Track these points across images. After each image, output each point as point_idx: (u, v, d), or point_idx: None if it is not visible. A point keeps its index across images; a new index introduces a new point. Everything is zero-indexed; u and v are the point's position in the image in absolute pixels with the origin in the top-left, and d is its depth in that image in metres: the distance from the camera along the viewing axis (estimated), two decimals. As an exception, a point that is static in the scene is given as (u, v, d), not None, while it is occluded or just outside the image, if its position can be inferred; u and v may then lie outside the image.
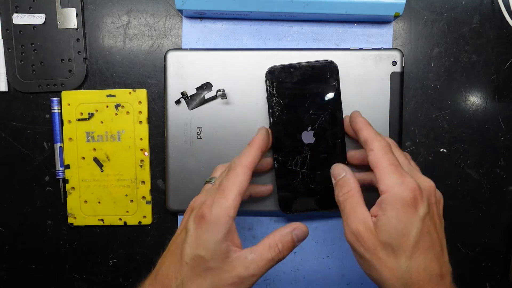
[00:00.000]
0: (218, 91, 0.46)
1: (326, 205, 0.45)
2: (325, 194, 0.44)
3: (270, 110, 0.43)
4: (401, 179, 0.34)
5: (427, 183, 0.35)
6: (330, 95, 0.43)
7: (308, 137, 0.43)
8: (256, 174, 0.45)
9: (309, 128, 0.43)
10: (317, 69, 0.42)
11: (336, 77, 0.43)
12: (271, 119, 0.43)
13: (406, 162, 0.38)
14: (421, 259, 0.33)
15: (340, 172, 0.38)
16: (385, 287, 0.34)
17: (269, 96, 0.42)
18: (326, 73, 0.42)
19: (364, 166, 0.42)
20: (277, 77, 0.42)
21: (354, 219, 0.35)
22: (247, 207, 0.47)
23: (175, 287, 0.34)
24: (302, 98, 0.42)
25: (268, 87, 0.42)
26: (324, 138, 0.43)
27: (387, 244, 0.33)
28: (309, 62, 0.42)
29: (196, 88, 0.47)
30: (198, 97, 0.47)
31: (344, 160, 0.44)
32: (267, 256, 0.35)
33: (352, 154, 0.44)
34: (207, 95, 0.47)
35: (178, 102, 0.47)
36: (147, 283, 0.36)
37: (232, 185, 0.35)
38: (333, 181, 0.39)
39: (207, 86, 0.47)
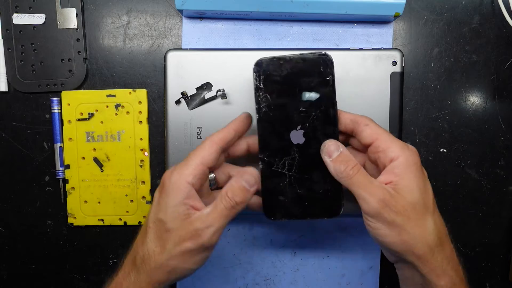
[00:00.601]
0: (218, 91, 0.46)
1: (314, 213, 0.40)
2: (314, 201, 0.40)
3: (257, 106, 0.39)
4: (404, 145, 0.36)
5: (413, 147, 0.38)
6: (323, 91, 0.39)
7: (297, 137, 0.39)
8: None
9: (299, 127, 0.39)
10: (310, 62, 0.38)
11: (330, 71, 0.38)
12: (257, 115, 0.39)
13: None
14: (437, 213, 0.36)
15: (336, 148, 0.37)
16: (419, 248, 0.34)
17: (256, 90, 0.39)
18: (320, 67, 0.38)
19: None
20: (265, 70, 0.38)
21: (377, 188, 0.35)
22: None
23: (141, 253, 0.36)
24: (292, 93, 0.39)
25: (255, 81, 0.38)
26: (315, 138, 0.39)
27: (416, 204, 0.35)
28: (301, 54, 0.38)
29: (196, 88, 0.47)
30: (198, 97, 0.47)
31: None
32: (219, 206, 0.36)
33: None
34: (207, 95, 0.46)
35: (178, 102, 0.47)
36: (128, 253, 0.38)
37: (196, 156, 0.37)
38: (327, 159, 0.37)
39: (207, 86, 0.47)
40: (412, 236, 0.34)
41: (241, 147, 0.40)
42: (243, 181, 0.37)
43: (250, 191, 0.37)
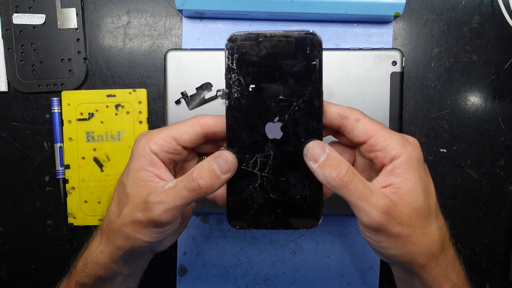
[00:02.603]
0: (218, 91, 0.46)
1: (288, 223, 0.34)
2: (289, 208, 0.34)
3: (227, 90, 0.32)
4: (404, 138, 0.31)
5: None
6: (308, 77, 0.32)
7: (274, 130, 0.33)
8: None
9: (276, 119, 0.33)
10: (294, 42, 0.32)
11: (318, 54, 0.32)
12: (227, 102, 0.32)
13: None
14: (440, 216, 0.33)
15: (322, 151, 0.31)
16: (423, 258, 0.31)
17: (227, 71, 0.32)
18: (306, 48, 0.32)
19: None
20: (239, 48, 0.32)
21: (378, 197, 0.30)
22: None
23: (106, 215, 0.35)
24: (271, 78, 0.32)
25: (226, 59, 0.32)
26: (295, 133, 0.33)
27: (421, 210, 0.31)
28: (284, 31, 0.32)
29: (196, 88, 0.47)
30: (198, 97, 0.47)
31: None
32: (179, 185, 0.31)
33: None
34: (207, 95, 0.46)
35: (178, 102, 0.47)
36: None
37: (172, 128, 0.33)
38: (313, 165, 0.31)
39: (207, 86, 0.47)
40: (418, 246, 0.31)
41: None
42: (215, 164, 0.31)
43: (220, 178, 0.31)
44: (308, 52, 0.32)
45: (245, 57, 0.32)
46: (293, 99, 0.33)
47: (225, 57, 0.32)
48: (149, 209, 0.31)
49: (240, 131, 0.33)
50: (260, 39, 0.32)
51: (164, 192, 0.32)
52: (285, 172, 0.33)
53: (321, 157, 0.31)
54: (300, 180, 0.33)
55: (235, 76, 0.32)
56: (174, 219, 0.32)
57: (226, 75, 0.32)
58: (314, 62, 0.32)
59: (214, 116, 0.33)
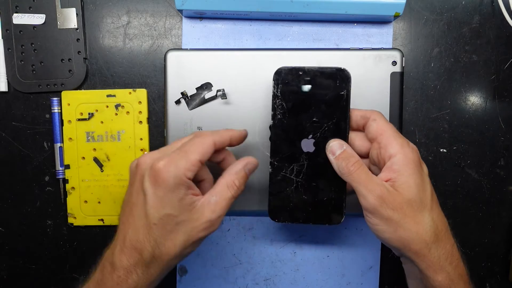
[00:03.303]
0: (218, 91, 0.46)
1: (317, 219, 0.42)
2: (318, 207, 0.42)
3: (272, 112, 0.41)
4: (406, 142, 0.37)
5: (414, 145, 0.39)
6: (337, 104, 0.40)
7: (308, 145, 0.41)
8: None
9: (310, 136, 0.41)
10: (327, 75, 0.40)
11: (346, 86, 0.40)
12: (272, 121, 0.41)
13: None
14: (437, 210, 0.37)
15: (340, 147, 0.39)
16: (415, 244, 0.35)
17: (274, 97, 0.41)
18: (336, 81, 0.40)
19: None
20: (283, 79, 0.40)
21: (375, 184, 0.36)
22: (248, 207, 0.47)
23: (150, 248, 0.35)
24: (307, 103, 0.40)
25: (273, 88, 0.41)
26: (325, 148, 0.41)
27: (412, 201, 0.35)
28: (319, 67, 0.40)
29: (196, 88, 0.47)
30: (198, 97, 0.47)
31: None
32: (227, 195, 0.37)
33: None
34: (207, 95, 0.46)
35: (178, 102, 0.47)
36: (117, 251, 0.36)
37: (195, 152, 0.36)
38: (331, 157, 0.39)
39: (207, 86, 0.47)
40: (408, 232, 0.35)
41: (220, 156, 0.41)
42: (247, 170, 0.39)
43: (248, 176, 0.39)
44: (337, 84, 0.40)
45: (287, 87, 0.41)
46: (324, 121, 0.40)
47: (272, 86, 0.41)
48: (212, 225, 0.36)
49: (282, 145, 0.41)
50: (300, 73, 0.40)
51: (217, 205, 0.36)
52: (316, 179, 0.41)
53: (338, 151, 0.38)
54: (327, 185, 0.41)
55: (279, 101, 0.41)
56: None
57: (272, 100, 0.41)
58: (342, 92, 0.40)
59: (219, 132, 0.39)
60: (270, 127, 0.41)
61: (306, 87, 0.40)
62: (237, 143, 0.41)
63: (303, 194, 0.42)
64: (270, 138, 0.41)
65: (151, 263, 0.36)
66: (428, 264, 0.36)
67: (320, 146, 0.41)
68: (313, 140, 0.41)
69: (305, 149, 0.41)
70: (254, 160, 0.40)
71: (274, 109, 0.41)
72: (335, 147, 0.39)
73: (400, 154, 0.36)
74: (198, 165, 0.36)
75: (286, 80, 0.40)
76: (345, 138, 0.40)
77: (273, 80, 0.41)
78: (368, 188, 0.36)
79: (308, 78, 0.40)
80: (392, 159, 0.36)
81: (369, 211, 0.36)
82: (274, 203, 0.42)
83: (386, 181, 0.36)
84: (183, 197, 0.35)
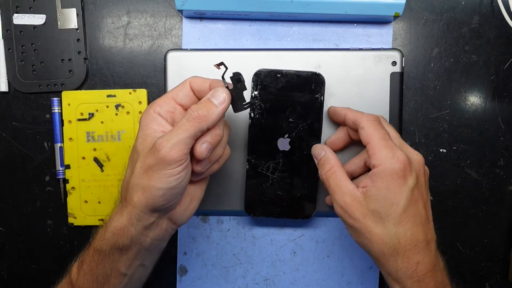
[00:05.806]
0: (218, 91, 0.47)
1: (290, 213, 0.46)
2: (291, 203, 0.45)
3: (251, 112, 0.43)
4: (391, 153, 0.36)
5: (417, 156, 0.38)
6: (312, 106, 0.43)
7: (283, 144, 0.44)
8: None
9: (286, 136, 0.43)
10: (303, 79, 0.42)
11: (320, 90, 0.42)
12: (250, 121, 0.43)
13: (397, 135, 0.40)
14: (408, 226, 0.36)
15: (320, 152, 0.40)
16: (374, 252, 0.37)
17: (252, 98, 0.43)
18: (311, 84, 0.42)
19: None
20: (262, 80, 0.42)
21: (340, 193, 0.38)
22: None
23: (123, 180, 0.38)
24: (284, 105, 0.43)
25: (252, 89, 0.42)
26: (300, 147, 0.44)
27: (376, 212, 0.36)
28: (296, 71, 0.42)
29: (196, 88, 0.47)
30: (198, 97, 0.47)
31: (317, 172, 0.41)
32: (181, 121, 0.35)
33: (332, 140, 0.45)
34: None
35: (178, 102, 0.47)
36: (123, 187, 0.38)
37: (168, 92, 0.38)
38: (315, 161, 0.41)
39: (207, 86, 0.47)
40: (368, 241, 0.37)
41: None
42: (211, 97, 0.36)
43: (218, 108, 0.35)
44: (313, 87, 0.42)
45: (265, 88, 0.43)
46: (300, 122, 0.43)
47: (251, 87, 0.42)
48: (157, 149, 0.34)
49: (259, 143, 0.44)
50: (278, 75, 0.42)
51: (168, 132, 0.35)
52: (290, 176, 0.44)
53: (318, 156, 0.41)
54: (301, 182, 0.44)
55: (257, 102, 0.43)
56: (182, 155, 0.34)
57: (250, 100, 0.42)
58: (317, 95, 0.43)
59: (201, 76, 0.38)
60: (248, 127, 0.43)
61: (283, 89, 0.42)
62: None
63: (278, 190, 0.45)
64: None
65: (122, 196, 0.37)
66: (387, 272, 0.37)
67: (295, 145, 0.43)
68: (288, 139, 0.43)
69: (281, 148, 0.44)
70: (224, 89, 0.36)
71: (252, 109, 0.43)
72: (316, 151, 0.41)
73: (381, 166, 0.36)
74: (168, 101, 0.37)
75: (265, 82, 0.42)
76: (318, 138, 0.43)
77: (252, 81, 0.42)
78: (335, 196, 0.38)
79: (286, 81, 0.42)
80: (373, 169, 0.37)
81: (339, 216, 0.38)
82: (250, 198, 0.45)
83: (363, 187, 0.37)
84: (145, 128, 0.36)
